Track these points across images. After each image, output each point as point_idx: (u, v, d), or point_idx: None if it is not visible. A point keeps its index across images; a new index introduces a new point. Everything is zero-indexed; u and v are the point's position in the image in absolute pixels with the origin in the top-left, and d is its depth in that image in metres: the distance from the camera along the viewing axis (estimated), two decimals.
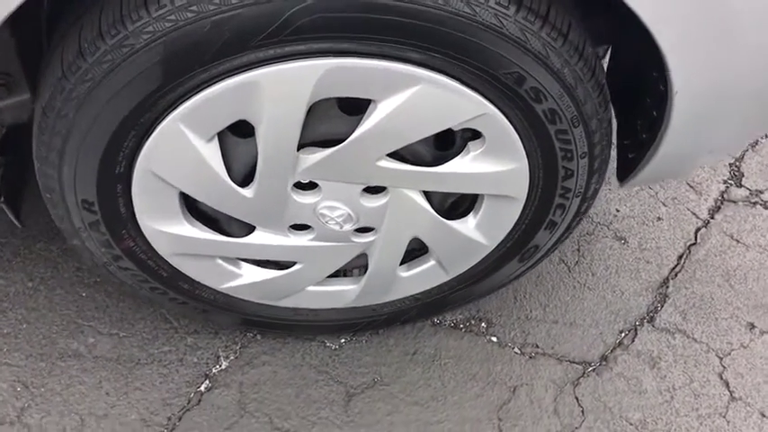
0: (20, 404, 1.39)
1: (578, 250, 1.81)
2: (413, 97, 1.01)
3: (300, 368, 1.52)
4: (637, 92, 1.22)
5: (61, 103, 0.99)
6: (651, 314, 1.72)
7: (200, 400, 1.45)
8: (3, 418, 1.37)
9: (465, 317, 1.63)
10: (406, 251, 1.33)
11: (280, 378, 1.50)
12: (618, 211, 1.89)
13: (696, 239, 1.86)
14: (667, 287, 1.77)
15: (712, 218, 1.92)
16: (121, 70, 0.94)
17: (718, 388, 1.62)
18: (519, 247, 1.33)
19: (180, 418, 1.42)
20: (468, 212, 1.27)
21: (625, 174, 1.32)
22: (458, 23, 0.93)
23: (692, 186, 1.96)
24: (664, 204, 1.94)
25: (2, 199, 1.24)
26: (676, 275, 1.80)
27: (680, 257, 1.82)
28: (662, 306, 1.74)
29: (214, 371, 1.49)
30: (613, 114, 1.18)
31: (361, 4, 0.90)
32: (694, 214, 1.91)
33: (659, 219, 1.89)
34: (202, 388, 1.46)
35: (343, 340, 1.57)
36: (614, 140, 1.31)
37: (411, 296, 1.44)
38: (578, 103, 1.06)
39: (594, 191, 1.25)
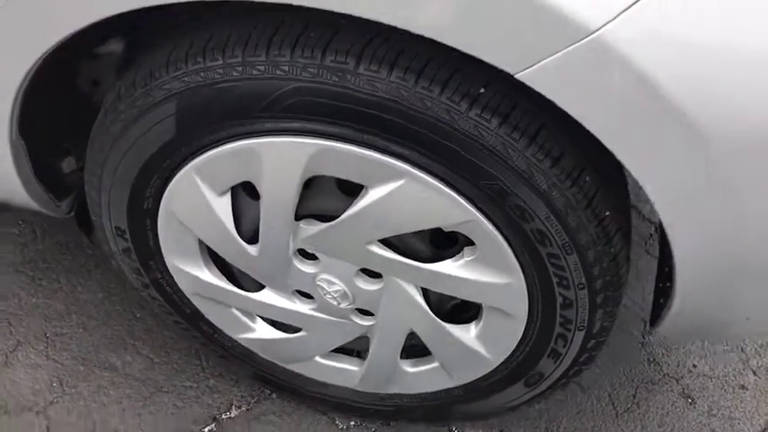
0: (50, 397, 1.53)
1: (634, 396, 1.66)
2: (397, 191, 1.03)
3: None
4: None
5: (102, 138, 1.14)
6: None
7: None
8: (32, 406, 1.52)
9: None
10: (416, 348, 1.33)
11: None
12: (695, 366, 1.73)
13: None
14: None
15: None
16: (145, 117, 1.07)
17: None
18: (523, 370, 1.27)
19: None
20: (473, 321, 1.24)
21: (655, 319, 1.23)
22: (437, 128, 0.95)
23: None
24: (754, 372, 1.73)
25: (72, 214, 1.42)
26: None
27: None
28: None
29: (223, 416, 1.55)
30: (622, 251, 1.11)
31: (342, 95, 0.95)
32: None
33: (743, 387, 1.70)
34: (206, 430, 1.53)
35: (352, 423, 1.56)
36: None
37: (417, 394, 1.41)
38: (570, 231, 1.02)
39: (603, 328, 1.17)
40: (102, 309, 1.68)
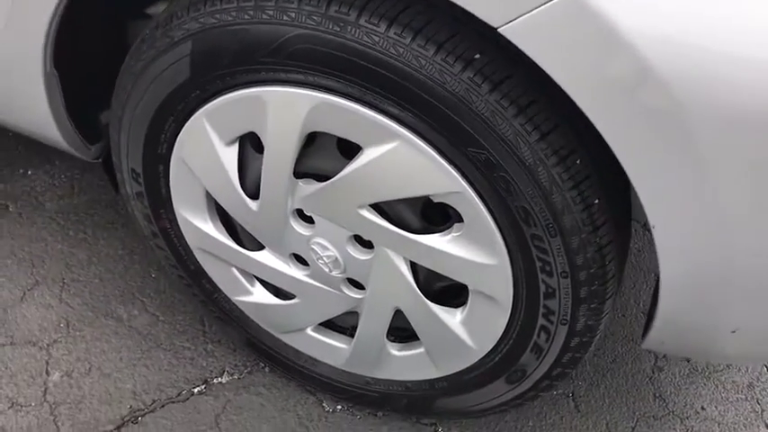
0: (55, 336, 1.59)
1: (633, 429, 1.60)
2: (390, 153, 1.05)
3: (286, 413, 1.54)
4: None
5: (126, 78, 1.20)
6: None
7: (187, 399, 1.53)
8: (37, 341, 1.58)
9: None
10: (404, 333, 1.32)
11: (264, 413, 1.53)
12: (703, 409, 1.65)
13: None
14: None
15: None
16: (162, 57, 1.12)
17: None
18: (506, 364, 1.25)
19: (163, 406, 1.52)
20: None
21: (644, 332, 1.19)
22: (429, 88, 0.97)
23: None
24: (767, 425, 1.64)
25: (100, 160, 1.49)
26: None
27: None
28: None
29: (214, 380, 1.57)
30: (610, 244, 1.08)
31: (341, 45, 0.98)
32: None
33: None
34: (195, 390, 1.55)
35: (339, 407, 1.56)
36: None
37: (402, 382, 1.40)
38: (554, 212, 1.01)
39: (587, 326, 1.14)
40: (120, 264, 1.74)
